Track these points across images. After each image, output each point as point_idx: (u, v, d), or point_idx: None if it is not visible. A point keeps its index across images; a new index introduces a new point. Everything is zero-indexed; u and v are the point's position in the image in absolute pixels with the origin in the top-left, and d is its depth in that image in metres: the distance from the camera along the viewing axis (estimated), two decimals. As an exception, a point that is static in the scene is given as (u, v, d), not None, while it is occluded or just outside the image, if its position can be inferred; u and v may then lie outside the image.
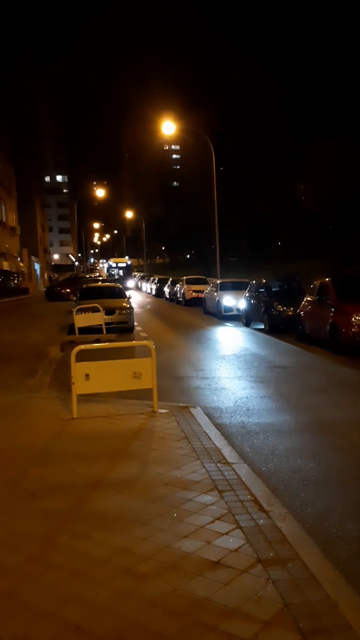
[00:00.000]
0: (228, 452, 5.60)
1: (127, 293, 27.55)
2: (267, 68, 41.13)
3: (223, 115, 43.09)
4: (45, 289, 45.84)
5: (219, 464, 5.22)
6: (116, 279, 52.43)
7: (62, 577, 3.25)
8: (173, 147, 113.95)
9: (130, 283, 58.27)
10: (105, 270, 73.40)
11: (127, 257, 71.72)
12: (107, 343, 12.75)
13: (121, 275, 59.78)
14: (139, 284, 58.76)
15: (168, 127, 34.42)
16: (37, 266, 67.28)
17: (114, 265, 65.41)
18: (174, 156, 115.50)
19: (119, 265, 64.81)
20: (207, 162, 34.70)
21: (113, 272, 62.99)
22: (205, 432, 6.31)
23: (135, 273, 73.14)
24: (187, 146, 68.81)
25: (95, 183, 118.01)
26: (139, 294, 46.61)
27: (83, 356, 7.03)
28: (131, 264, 67.56)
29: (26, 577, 3.26)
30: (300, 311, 14.99)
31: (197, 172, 52.95)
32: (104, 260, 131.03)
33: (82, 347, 7.19)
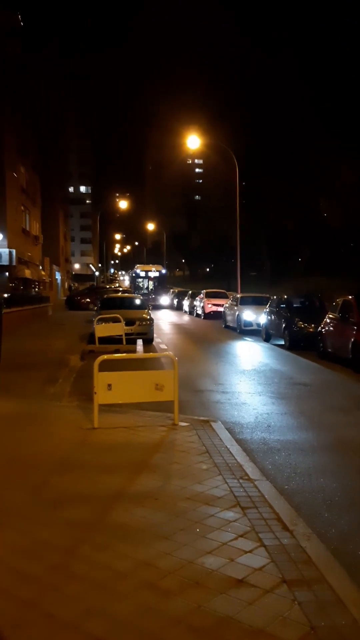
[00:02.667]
0: (250, 469, 5.54)
1: (158, 313, 27.10)
2: (295, 84, 41.24)
3: (248, 130, 43.29)
4: (65, 298, 46.20)
5: (241, 480, 5.16)
6: (145, 293, 42.75)
7: (85, 588, 3.23)
8: (196, 161, 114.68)
9: (165, 300, 44.14)
10: (128, 280, 59.20)
11: (160, 266, 51.20)
12: (129, 354, 12.78)
13: (152, 289, 45.82)
14: (174, 300, 44.08)
15: (193, 141, 34.68)
16: (58, 275, 67.88)
17: (141, 273, 47.57)
18: (197, 170, 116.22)
19: (149, 274, 47.20)
20: (230, 177, 34.85)
21: (141, 284, 46.94)
22: (226, 447, 6.26)
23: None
24: (211, 160, 69.25)
25: (118, 194, 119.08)
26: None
27: (104, 366, 7.04)
28: (166, 273, 49.00)
29: (49, 587, 3.24)
30: (322, 328, 14.88)
31: (219, 187, 53.18)
32: (123, 272, 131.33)
33: (105, 357, 7.20)
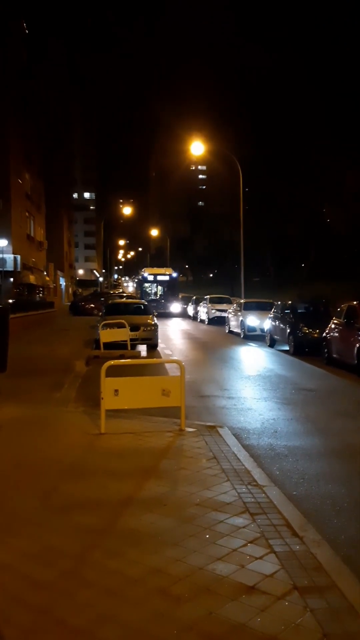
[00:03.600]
0: (258, 475, 5.53)
1: (168, 321, 25.88)
2: (300, 90, 41.36)
3: (252, 137, 43.39)
4: (69, 304, 46.27)
5: (249, 486, 5.15)
6: (154, 300, 37.97)
7: (97, 595, 3.22)
8: (200, 167, 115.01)
9: (176, 307, 39.23)
10: (134, 285, 52.08)
11: (170, 269, 43.86)
12: (137, 359, 12.81)
13: (161, 295, 40.77)
14: (188, 307, 38.56)
15: (197, 148, 34.79)
16: (62, 281, 68.05)
17: (149, 277, 41.77)
18: (200, 176, 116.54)
19: (158, 277, 41.52)
20: (233, 183, 34.94)
21: (148, 289, 41.42)
22: (234, 452, 6.25)
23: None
24: (214, 167, 69.43)
25: (121, 201, 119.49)
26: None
27: (110, 371, 7.04)
28: (177, 277, 42.90)
29: (61, 593, 3.23)
30: (327, 334, 14.86)
31: (223, 193, 53.30)
32: (127, 278, 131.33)
33: (112, 362, 7.21)
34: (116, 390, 6.99)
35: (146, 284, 41.94)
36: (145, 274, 42.58)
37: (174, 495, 4.86)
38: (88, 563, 3.61)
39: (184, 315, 38.89)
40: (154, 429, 7.21)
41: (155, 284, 41.78)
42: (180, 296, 42.61)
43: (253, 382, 11.99)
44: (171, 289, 41.10)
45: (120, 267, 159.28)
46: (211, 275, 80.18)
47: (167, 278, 41.27)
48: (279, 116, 43.02)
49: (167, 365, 13.05)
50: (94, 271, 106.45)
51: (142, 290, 41.36)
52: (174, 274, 42.04)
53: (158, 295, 41.14)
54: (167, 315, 37.11)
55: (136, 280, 51.77)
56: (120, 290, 66.90)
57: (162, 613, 3.06)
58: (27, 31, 46.29)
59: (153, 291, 41.57)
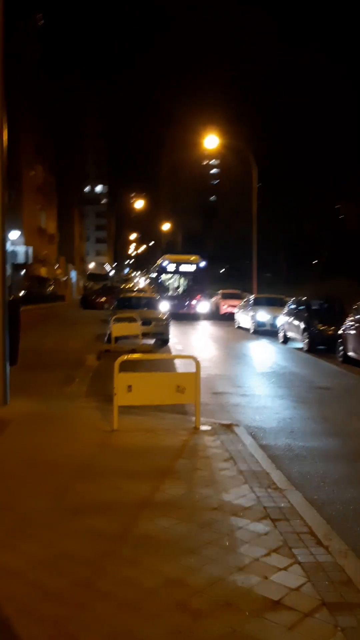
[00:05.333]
0: (277, 477, 5.31)
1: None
2: (317, 85, 40.74)
3: (267, 132, 42.86)
4: (80, 297, 46.18)
5: (269, 490, 4.93)
6: (174, 297, 30.81)
7: (112, 608, 3.02)
8: (212, 162, 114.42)
9: (203, 306, 31.14)
10: (152, 278, 41.26)
11: (197, 256, 33.91)
12: (152, 354, 12.63)
13: (185, 290, 31.98)
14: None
15: (211, 141, 34.41)
16: (73, 274, 68.00)
17: (170, 267, 32.31)
18: (213, 171, 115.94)
19: (182, 267, 32.30)
20: (246, 179, 34.53)
21: (169, 282, 32.31)
22: (251, 453, 6.04)
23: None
24: (226, 161, 68.93)
25: (133, 195, 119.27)
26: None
27: (122, 366, 6.83)
28: (207, 267, 33.15)
29: (75, 606, 3.03)
30: (343, 331, 14.56)
31: (236, 188, 52.84)
32: (138, 272, 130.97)
33: (126, 357, 7.00)
34: (129, 386, 6.79)
35: (165, 276, 32.39)
36: (165, 263, 32.41)
37: (190, 498, 4.65)
38: (102, 572, 3.41)
39: (214, 317, 31.46)
40: (167, 427, 7.01)
41: (178, 276, 32.31)
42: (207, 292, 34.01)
43: (267, 379, 11.75)
44: (198, 283, 31.77)
45: (131, 261, 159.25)
46: (222, 270, 79.79)
47: (192, 268, 32.01)
48: (293, 111, 42.46)
49: (177, 361, 12.83)
50: (105, 265, 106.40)
51: (160, 284, 32.18)
52: (202, 263, 32.11)
53: (180, 290, 32.03)
54: (191, 318, 29.74)
55: (154, 271, 40.58)
56: (131, 285, 66.69)
57: (180, 630, 2.85)
58: (40, 22, 46.04)
59: (175, 285, 32.25)
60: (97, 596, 3.13)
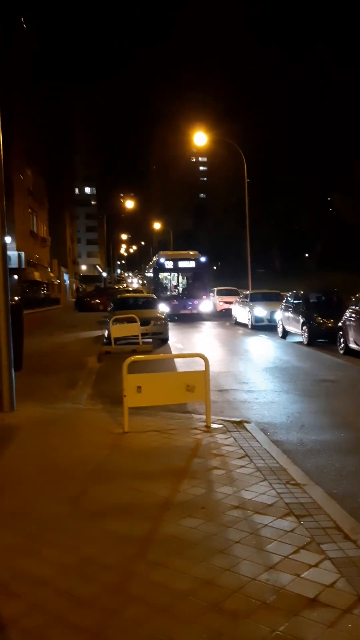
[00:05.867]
0: (295, 472, 5.26)
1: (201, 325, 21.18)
2: (306, 79, 40.85)
3: (257, 127, 42.90)
4: (74, 300, 45.98)
5: (288, 485, 4.88)
6: (173, 296, 29.35)
7: (146, 612, 2.95)
8: (200, 159, 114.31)
9: (205, 305, 28.98)
10: (149, 277, 37.49)
11: (196, 252, 31.25)
12: (156, 354, 12.58)
13: (184, 288, 30.80)
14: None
15: (200, 138, 34.33)
16: (66, 277, 67.76)
17: (168, 264, 29.96)
18: (201, 168, 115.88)
19: (180, 264, 29.95)
20: (236, 174, 34.50)
21: (166, 280, 30.82)
22: (265, 449, 5.98)
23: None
24: (215, 158, 68.85)
25: (122, 195, 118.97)
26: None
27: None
28: (207, 263, 30.54)
29: (107, 611, 2.96)
30: (343, 323, 14.54)
31: (226, 185, 52.81)
32: (130, 274, 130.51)
33: (133, 358, 6.92)
34: (139, 387, 6.71)
35: (163, 274, 30.46)
36: (162, 260, 30.02)
37: (211, 497, 4.59)
38: (131, 575, 3.34)
39: (216, 315, 29.43)
40: (178, 426, 6.94)
41: (177, 274, 30.74)
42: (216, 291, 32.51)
43: (271, 374, 11.70)
44: (199, 280, 29.88)
45: (123, 261, 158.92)
46: (214, 267, 79.83)
47: (192, 264, 29.62)
48: (282, 106, 42.54)
49: (180, 360, 12.76)
50: (97, 266, 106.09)
51: (158, 283, 29.84)
52: (202, 259, 29.72)
53: (180, 289, 30.52)
54: (194, 318, 27.70)
55: (150, 270, 37.92)
56: (125, 285, 66.50)
57: (220, 632, 2.78)
58: (25, 26, 45.78)
59: (173, 283, 30.71)
60: (129, 601, 3.06)
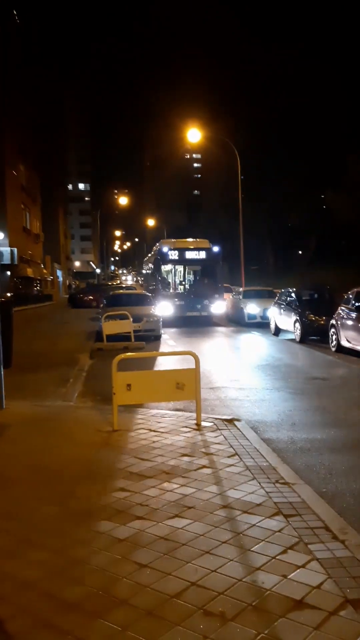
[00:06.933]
0: (284, 471, 5.24)
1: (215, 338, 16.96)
2: (300, 77, 40.76)
3: (249, 124, 42.77)
4: (68, 296, 45.84)
5: (277, 484, 4.86)
6: (179, 295, 23.99)
7: (133, 616, 2.91)
8: (194, 155, 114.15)
9: (217, 306, 23.48)
10: (150, 271, 29.31)
11: (205, 241, 26.17)
12: (150, 352, 12.55)
13: (192, 285, 25.73)
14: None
15: (193, 135, 34.27)
16: (59, 273, 67.54)
17: (172, 254, 24.10)
18: (195, 165, 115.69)
19: (188, 254, 24.42)
20: (229, 171, 34.49)
21: (170, 275, 25.62)
22: (255, 447, 5.96)
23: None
24: (209, 155, 68.74)
25: (116, 191, 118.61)
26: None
27: (118, 364, 6.70)
28: (220, 254, 24.20)
29: (94, 615, 2.92)
30: (335, 321, 14.55)
31: (219, 181, 52.77)
32: (124, 270, 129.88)
33: (123, 355, 6.88)
34: (129, 385, 6.68)
35: (166, 268, 24.99)
36: (165, 250, 23.94)
37: (200, 496, 4.56)
38: (119, 578, 3.31)
39: (232, 319, 23.94)
40: (168, 425, 6.91)
41: (183, 267, 25.26)
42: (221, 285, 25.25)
43: (263, 372, 11.69)
44: (210, 275, 24.52)
45: (117, 258, 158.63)
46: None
47: (202, 255, 24.04)
48: (276, 102, 42.43)
49: (173, 358, 12.71)
50: (91, 263, 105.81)
51: (159, 279, 24.37)
52: (215, 249, 24.04)
53: (186, 286, 25.22)
54: (204, 322, 23.10)
55: (149, 264, 32.23)
56: (118, 282, 66.27)
57: (206, 635, 2.76)
58: (17, 20, 45.48)
59: (179, 279, 25.34)
60: (117, 604, 3.03)
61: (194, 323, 22.47)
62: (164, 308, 22.28)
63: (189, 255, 24.32)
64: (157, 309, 19.24)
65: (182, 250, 24.23)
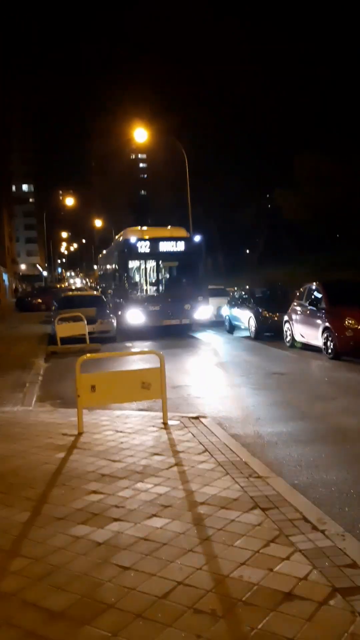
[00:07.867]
0: (256, 465, 5.25)
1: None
2: (247, 76, 41.09)
3: (197, 124, 42.96)
4: (15, 300, 44.78)
5: (251, 479, 4.86)
6: (150, 298, 18.86)
7: (122, 620, 2.83)
8: (140, 156, 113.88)
9: (203, 311, 18.99)
10: (113, 268, 23.47)
11: (182, 229, 20.85)
12: (113, 352, 12.43)
13: (168, 284, 19.77)
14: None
15: (140, 135, 34.10)
16: (5, 277, 65.91)
17: (143, 247, 18.44)
18: (141, 165, 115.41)
19: (162, 247, 18.63)
20: (176, 171, 34.54)
21: (139, 274, 19.57)
22: (224, 443, 5.95)
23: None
24: (155, 155, 68.70)
25: (61, 192, 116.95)
26: None
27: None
28: (201, 244, 18.97)
29: (81, 622, 2.82)
30: (289, 317, 14.79)
31: (166, 182, 52.80)
32: (72, 273, 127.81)
33: (88, 356, 6.74)
34: (93, 386, 6.54)
35: (134, 264, 19.48)
36: (134, 240, 18.75)
37: (175, 495, 4.50)
38: (102, 582, 3.21)
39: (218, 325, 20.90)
40: (134, 425, 6.81)
41: (156, 263, 19.34)
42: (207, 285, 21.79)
43: (223, 369, 11.75)
44: (190, 273, 19.63)
45: (64, 260, 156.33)
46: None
47: (180, 247, 18.99)
48: (224, 102, 42.76)
49: (135, 358, 12.61)
50: (37, 265, 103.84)
51: (124, 278, 19.26)
52: (196, 238, 19.63)
53: (161, 287, 19.42)
54: (185, 331, 19.34)
55: (107, 260, 28.08)
56: (67, 284, 65.30)
57: (199, 634, 2.70)
58: None
59: (150, 279, 19.74)
60: (104, 609, 2.93)
61: (172, 334, 18.49)
62: (132, 316, 18.15)
63: (164, 247, 18.84)
64: (127, 316, 18.50)
65: (154, 241, 18.83)
